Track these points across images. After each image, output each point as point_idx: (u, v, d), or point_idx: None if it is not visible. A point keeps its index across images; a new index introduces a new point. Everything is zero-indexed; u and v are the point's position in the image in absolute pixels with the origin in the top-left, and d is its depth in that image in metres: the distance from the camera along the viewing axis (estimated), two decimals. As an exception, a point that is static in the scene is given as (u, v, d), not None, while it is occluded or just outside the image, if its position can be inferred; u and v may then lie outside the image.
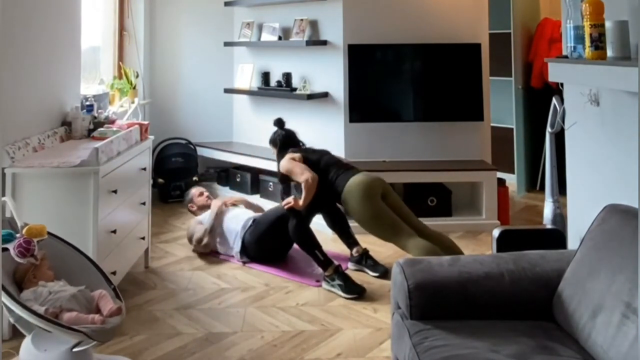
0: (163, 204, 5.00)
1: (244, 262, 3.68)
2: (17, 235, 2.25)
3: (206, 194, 4.21)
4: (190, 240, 3.90)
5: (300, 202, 3.50)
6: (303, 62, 4.91)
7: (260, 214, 3.92)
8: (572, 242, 2.92)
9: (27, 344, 2.14)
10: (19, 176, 2.72)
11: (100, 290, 2.26)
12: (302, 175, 3.50)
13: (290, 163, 3.56)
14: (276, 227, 3.62)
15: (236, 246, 3.74)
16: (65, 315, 2.08)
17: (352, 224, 3.83)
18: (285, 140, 3.77)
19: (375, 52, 4.62)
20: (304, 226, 3.47)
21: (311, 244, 3.41)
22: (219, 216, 3.87)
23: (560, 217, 3.39)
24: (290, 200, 3.56)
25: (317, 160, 3.62)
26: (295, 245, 3.69)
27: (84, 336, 2.01)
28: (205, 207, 4.07)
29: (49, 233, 2.32)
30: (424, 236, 3.26)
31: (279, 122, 3.86)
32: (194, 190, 4.25)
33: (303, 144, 3.85)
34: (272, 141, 3.84)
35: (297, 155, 3.61)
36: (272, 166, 4.67)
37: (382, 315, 2.98)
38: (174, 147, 5.26)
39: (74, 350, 2.07)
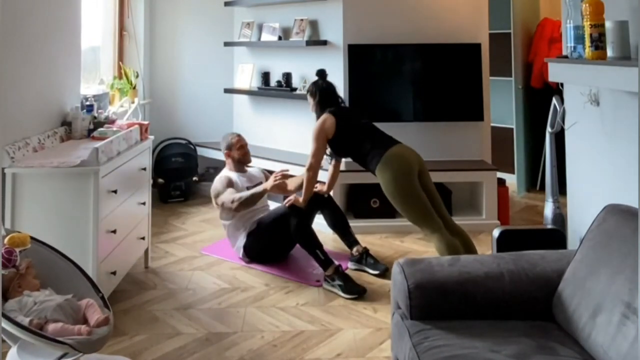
0: (163, 204, 5.00)
1: (247, 262, 3.68)
2: None
3: (247, 149, 3.93)
4: (214, 196, 3.72)
5: (301, 199, 3.52)
6: (303, 62, 4.91)
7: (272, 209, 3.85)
8: (572, 242, 2.93)
9: (12, 355, 2.10)
10: (19, 176, 2.72)
11: (88, 300, 2.20)
12: (311, 157, 3.45)
13: (317, 134, 3.45)
14: (277, 226, 3.59)
15: (240, 242, 3.70)
16: (50, 326, 2.02)
17: (353, 223, 3.84)
18: (324, 92, 3.65)
19: (375, 52, 4.62)
20: (305, 225, 3.47)
21: (312, 244, 3.41)
22: (261, 196, 3.62)
23: (560, 217, 3.39)
24: (291, 198, 3.57)
25: (353, 126, 3.49)
26: (296, 245, 3.68)
27: (69, 348, 1.96)
28: (241, 163, 3.90)
29: (35, 240, 2.27)
30: (450, 229, 3.19)
31: (322, 73, 3.75)
32: (235, 139, 3.92)
33: (342, 101, 3.74)
34: (311, 92, 3.68)
35: (331, 121, 3.44)
36: (272, 166, 4.68)
37: (382, 315, 2.98)
38: (174, 147, 5.26)
39: None
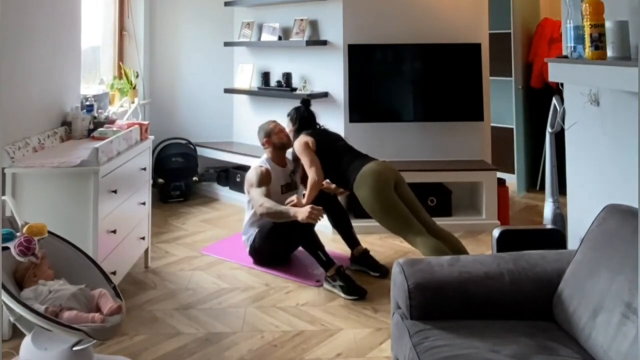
0: (163, 204, 5.00)
1: (252, 262, 3.66)
2: (18, 234, 2.26)
3: (287, 132, 3.76)
4: (247, 185, 3.61)
5: (303, 201, 3.51)
6: (303, 62, 4.91)
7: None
8: (572, 242, 2.92)
9: (27, 342, 2.15)
10: (19, 176, 2.72)
11: (100, 289, 2.26)
12: (310, 169, 3.51)
13: (303, 148, 3.58)
14: (280, 228, 3.50)
15: (249, 238, 3.66)
16: (65, 314, 2.08)
17: (354, 223, 3.83)
18: (304, 120, 3.77)
19: (375, 52, 4.62)
20: (307, 226, 3.45)
21: (314, 245, 3.39)
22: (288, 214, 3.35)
23: (560, 217, 3.39)
24: (293, 199, 3.56)
25: (331, 145, 3.64)
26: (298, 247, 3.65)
27: (84, 335, 2.02)
28: (282, 149, 3.73)
29: (49, 232, 2.33)
30: (433, 233, 3.26)
31: (306, 102, 3.88)
32: (272, 125, 3.75)
33: (320, 127, 3.85)
34: (292, 117, 3.81)
35: (311, 140, 3.60)
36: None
37: (382, 315, 2.98)
38: (174, 147, 5.26)
39: (74, 349, 2.08)
